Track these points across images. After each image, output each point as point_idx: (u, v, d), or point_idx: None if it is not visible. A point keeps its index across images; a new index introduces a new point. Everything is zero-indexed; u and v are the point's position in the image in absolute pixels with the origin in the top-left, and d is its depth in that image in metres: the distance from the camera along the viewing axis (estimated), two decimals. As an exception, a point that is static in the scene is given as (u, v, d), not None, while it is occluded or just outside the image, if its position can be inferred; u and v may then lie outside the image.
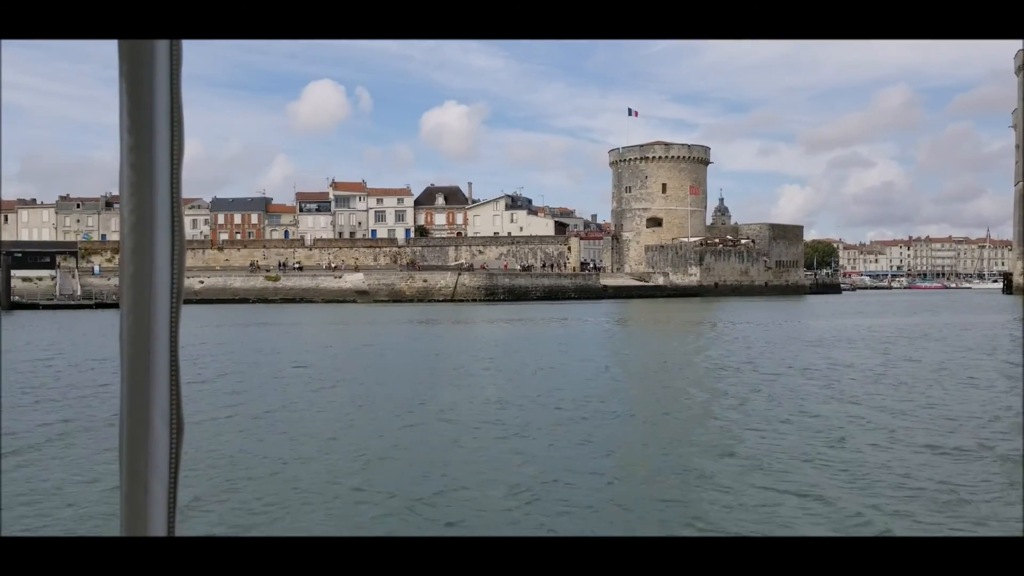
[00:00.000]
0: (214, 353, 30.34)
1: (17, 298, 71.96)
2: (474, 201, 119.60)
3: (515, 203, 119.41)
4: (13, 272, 74.65)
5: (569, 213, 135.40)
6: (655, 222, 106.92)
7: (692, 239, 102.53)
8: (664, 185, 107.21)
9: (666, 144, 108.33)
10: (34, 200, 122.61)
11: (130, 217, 1.27)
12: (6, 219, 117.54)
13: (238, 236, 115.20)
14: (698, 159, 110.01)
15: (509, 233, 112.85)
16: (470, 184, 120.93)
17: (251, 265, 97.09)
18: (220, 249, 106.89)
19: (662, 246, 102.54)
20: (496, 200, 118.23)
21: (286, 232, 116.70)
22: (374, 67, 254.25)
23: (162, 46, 1.29)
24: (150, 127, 1.27)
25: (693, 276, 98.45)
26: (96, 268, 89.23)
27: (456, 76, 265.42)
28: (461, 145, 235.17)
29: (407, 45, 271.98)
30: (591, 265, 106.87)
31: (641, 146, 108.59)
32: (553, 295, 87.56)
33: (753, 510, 9.66)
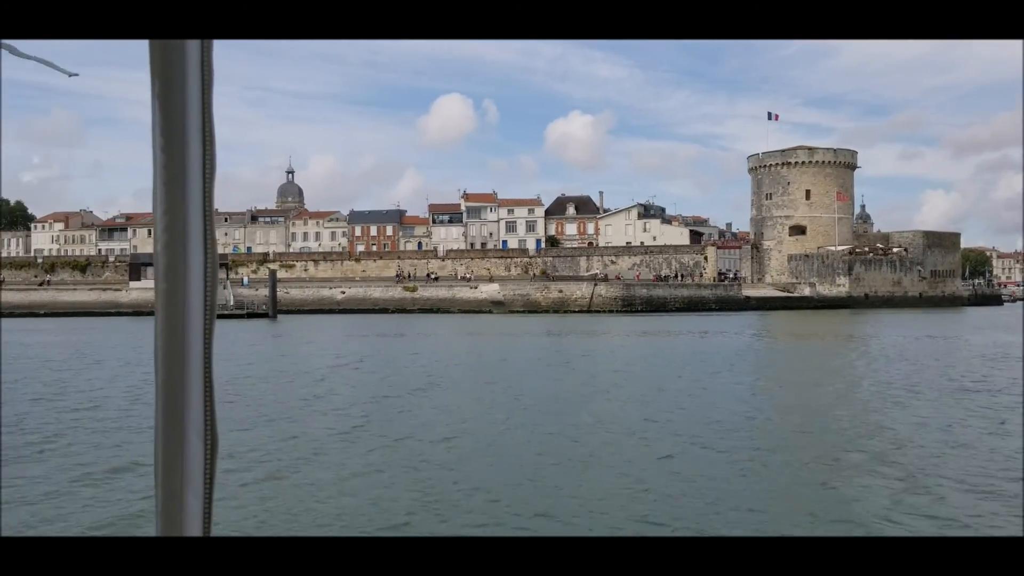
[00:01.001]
0: (357, 365, 30.14)
1: (174, 308, 75.30)
2: (605, 210, 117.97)
3: (648, 212, 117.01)
4: (169, 283, 77.88)
5: (703, 222, 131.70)
6: (798, 230, 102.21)
7: (839, 248, 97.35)
8: (808, 191, 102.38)
9: (809, 148, 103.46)
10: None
11: (163, 235, 1.27)
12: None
13: (374, 247, 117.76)
14: (844, 164, 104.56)
15: (642, 243, 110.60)
16: (601, 193, 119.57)
17: (397, 276, 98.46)
18: (357, 260, 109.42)
19: (807, 255, 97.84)
20: (628, 209, 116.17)
21: (419, 243, 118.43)
22: (499, 80, 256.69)
23: (193, 47, 1.28)
24: (182, 139, 1.27)
25: (841, 287, 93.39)
26: (244, 279, 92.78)
27: (579, 86, 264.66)
28: (586, 155, 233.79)
29: (531, 57, 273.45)
30: (731, 275, 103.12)
31: (783, 151, 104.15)
32: (692, 306, 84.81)
33: None
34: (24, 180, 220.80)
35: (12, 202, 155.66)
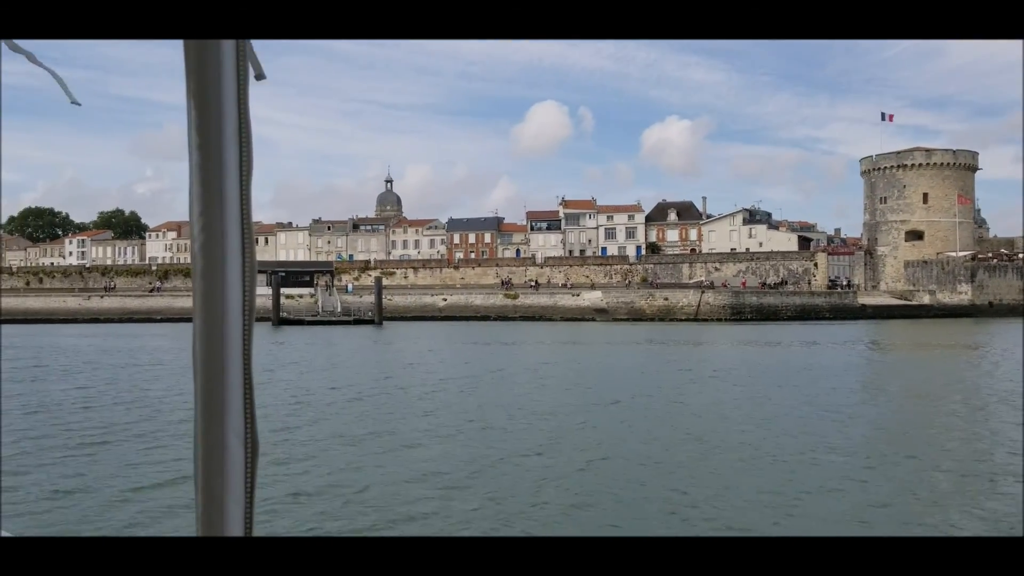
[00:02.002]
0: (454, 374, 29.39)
1: (285, 314, 76.78)
2: (708, 216, 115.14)
3: (753, 217, 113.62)
4: (276, 290, 79.78)
5: (810, 227, 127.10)
6: (915, 235, 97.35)
7: (960, 253, 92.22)
8: (925, 195, 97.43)
9: (927, 150, 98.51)
10: (290, 223, 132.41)
11: (200, 235, 1.26)
12: (266, 241, 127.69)
13: (472, 255, 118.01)
14: (964, 165, 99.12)
15: (747, 249, 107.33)
16: (704, 199, 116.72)
17: (505, 283, 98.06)
18: (456, 267, 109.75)
19: (925, 261, 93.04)
20: (733, 214, 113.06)
21: (517, 251, 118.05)
22: (592, 86, 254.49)
23: (228, 46, 1.27)
24: (218, 140, 1.26)
25: (963, 294, 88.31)
26: (349, 286, 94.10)
27: (674, 91, 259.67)
28: (684, 161, 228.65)
29: (624, 63, 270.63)
30: (845, 282, 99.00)
31: (898, 153, 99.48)
32: (805, 314, 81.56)
33: None
34: (138, 192, 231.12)
35: (127, 212, 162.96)
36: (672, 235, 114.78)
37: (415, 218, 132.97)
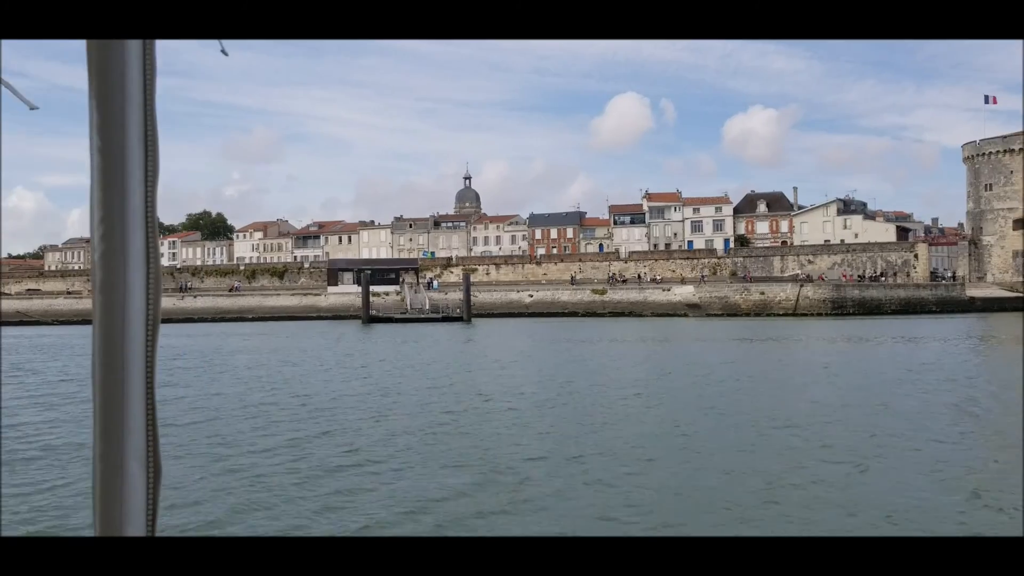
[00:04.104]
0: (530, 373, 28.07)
1: (374, 312, 76.83)
2: (799, 207, 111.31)
3: (848, 208, 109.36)
4: (362, 288, 79.96)
5: (906, 217, 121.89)
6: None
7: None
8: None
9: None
10: (372, 222, 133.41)
11: (100, 244, 1.21)
12: (350, 239, 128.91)
13: (554, 250, 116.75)
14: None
15: (842, 240, 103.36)
16: (795, 189, 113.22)
17: (610, 279, 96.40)
18: (538, 263, 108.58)
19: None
20: (826, 205, 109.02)
21: (600, 245, 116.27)
22: (669, 79, 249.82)
23: (134, 47, 1.24)
24: (121, 142, 1.22)
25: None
26: (435, 283, 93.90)
27: (754, 81, 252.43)
28: (768, 151, 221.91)
29: (700, 54, 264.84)
30: (950, 275, 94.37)
31: (1004, 137, 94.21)
32: (910, 308, 77.85)
33: None
34: (227, 194, 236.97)
35: (214, 214, 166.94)
36: (762, 227, 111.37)
37: (494, 214, 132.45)
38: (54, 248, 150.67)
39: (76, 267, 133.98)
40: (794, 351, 38.80)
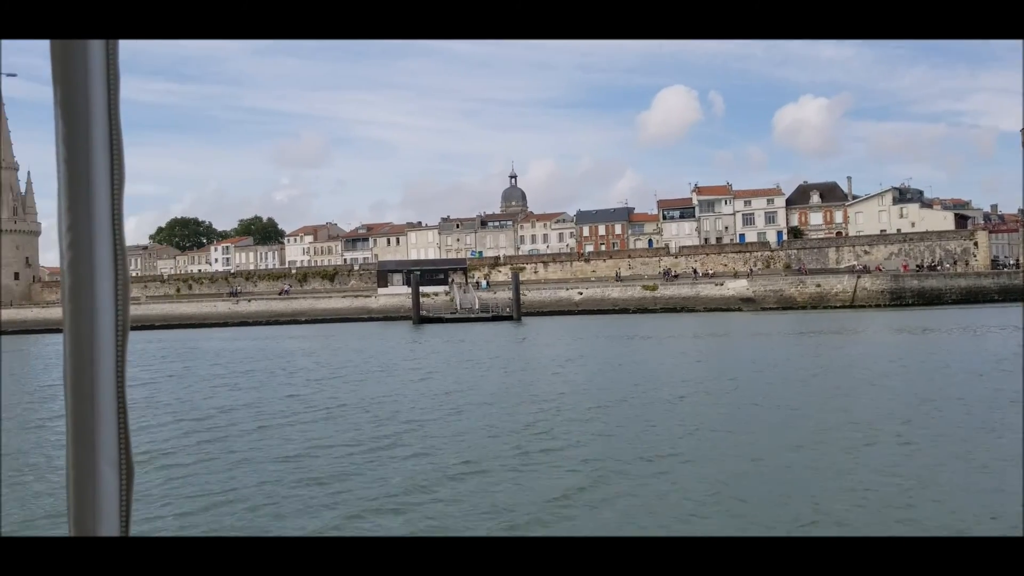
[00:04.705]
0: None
1: (424, 312, 77.05)
2: (854, 197, 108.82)
3: (903, 196, 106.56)
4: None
5: (964, 204, 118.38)
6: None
7: None
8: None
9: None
10: (419, 223, 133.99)
11: (68, 252, 1.22)
12: (398, 241, 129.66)
13: (602, 247, 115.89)
14: None
15: (898, 230, 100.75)
16: (849, 179, 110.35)
17: (665, 274, 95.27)
18: (587, 261, 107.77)
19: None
20: (882, 194, 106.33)
21: (650, 241, 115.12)
22: (715, 71, 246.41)
23: (96, 47, 1.22)
24: (87, 152, 1.21)
25: None
26: (483, 283, 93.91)
27: (802, 70, 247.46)
28: (820, 141, 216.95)
29: (745, 44, 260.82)
30: (1013, 263, 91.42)
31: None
32: (971, 297, 75.57)
33: None
34: (277, 199, 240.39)
35: (265, 219, 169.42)
36: (816, 218, 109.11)
37: (541, 212, 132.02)
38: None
39: (133, 274, 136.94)
40: (859, 343, 37.78)
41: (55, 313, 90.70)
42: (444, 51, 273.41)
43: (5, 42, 1.28)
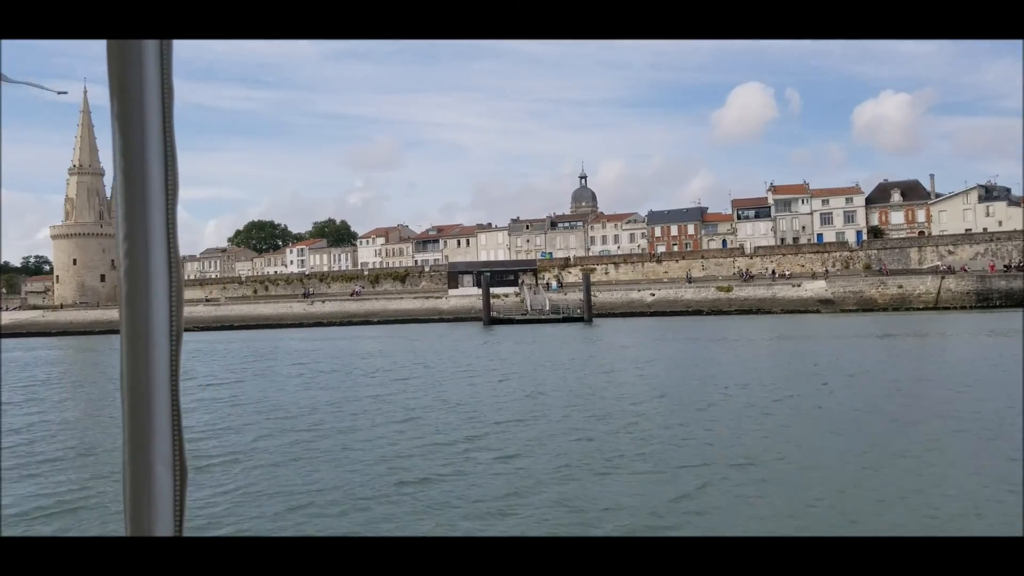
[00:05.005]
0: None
1: (495, 314, 77.21)
2: (937, 195, 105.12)
3: (990, 194, 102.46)
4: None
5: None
6: None
7: None
8: None
9: None
10: (489, 224, 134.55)
11: (125, 260, 1.26)
12: (468, 242, 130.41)
13: (674, 247, 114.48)
14: None
15: (984, 229, 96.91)
16: (932, 176, 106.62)
17: (741, 275, 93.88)
18: (659, 261, 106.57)
19: None
20: (966, 192, 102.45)
21: (724, 241, 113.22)
22: (791, 66, 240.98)
23: (151, 48, 1.24)
24: (143, 161, 1.23)
25: None
26: (554, 284, 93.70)
27: (882, 65, 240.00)
28: (901, 137, 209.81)
29: (822, 40, 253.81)
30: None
31: None
32: (1067, 299, 72.09)
33: None
34: (350, 202, 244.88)
35: (338, 222, 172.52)
36: (896, 217, 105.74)
37: (611, 213, 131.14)
38: (192, 258, 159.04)
39: (212, 276, 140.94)
40: (955, 346, 36.37)
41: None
42: (514, 52, 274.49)
43: (93, 48, 1.32)
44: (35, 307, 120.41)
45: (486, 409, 20.10)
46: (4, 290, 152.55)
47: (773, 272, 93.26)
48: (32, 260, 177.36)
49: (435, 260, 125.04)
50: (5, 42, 1.37)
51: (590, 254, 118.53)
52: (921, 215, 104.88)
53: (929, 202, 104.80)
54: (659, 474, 12.72)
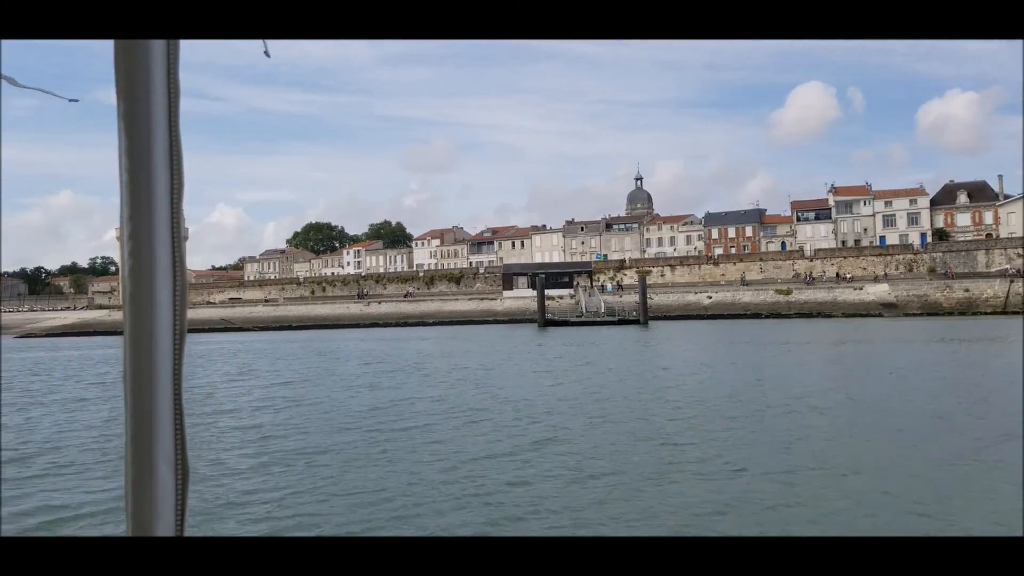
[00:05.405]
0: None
1: (550, 315, 77.16)
2: (1006, 197, 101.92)
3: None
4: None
5: None
6: None
7: None
8: None
9: None
10: (544, 226, 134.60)
11: (129, 260, 1.26)
12: (522, 244, 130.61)
13: (732, 249, 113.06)
14: None
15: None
16: (1000, 177, 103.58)
17: (803, 277, 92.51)
18: (716, 264, 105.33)
19: None
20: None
21: (783, 244, 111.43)
22: (852, 65, 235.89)
23: (157, 48, 1.24)
24: (148, 162, 1.23)
25: None
26: (608, 286, 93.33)
27: (947, 64, 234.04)
28: (968, 137, 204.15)
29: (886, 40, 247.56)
30: None
31: None
32: None
33: None
34: (406, 203, 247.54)
35: (394, 224, 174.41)
36: (963, 219, 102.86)
37: (667, 215, 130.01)
38: (252, 259, 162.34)
39: (271, 277, 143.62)
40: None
41: (199, 314, 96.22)
42: (570, 53, 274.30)
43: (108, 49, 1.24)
44: (100, 307, 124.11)
45: (547, 411, 20.07)
46: (72, 290, 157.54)
47: (837, 275, 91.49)
48: (99, 261, 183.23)
49: (490, 262, 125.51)
50: (15, 43, 1.32)
51: (645, 256, 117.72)
52: (989, 217, 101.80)
53: (997, 203, 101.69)
54: (712, 478, 12.59)
